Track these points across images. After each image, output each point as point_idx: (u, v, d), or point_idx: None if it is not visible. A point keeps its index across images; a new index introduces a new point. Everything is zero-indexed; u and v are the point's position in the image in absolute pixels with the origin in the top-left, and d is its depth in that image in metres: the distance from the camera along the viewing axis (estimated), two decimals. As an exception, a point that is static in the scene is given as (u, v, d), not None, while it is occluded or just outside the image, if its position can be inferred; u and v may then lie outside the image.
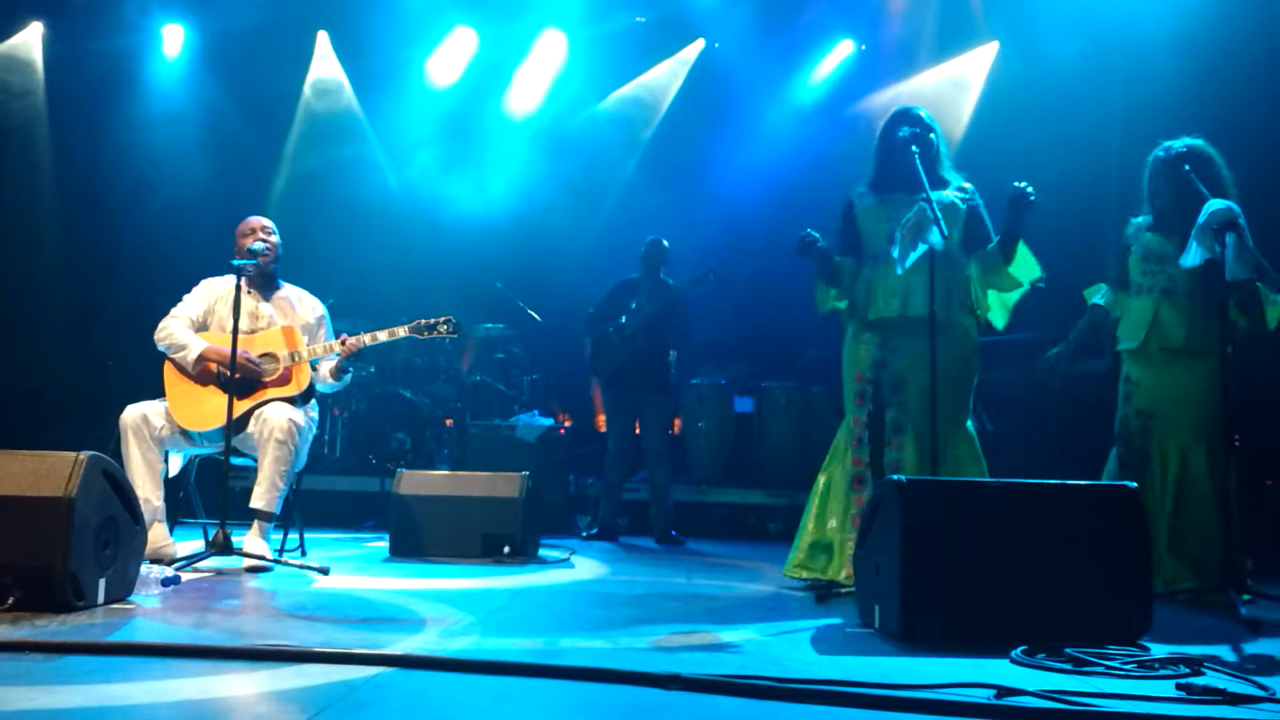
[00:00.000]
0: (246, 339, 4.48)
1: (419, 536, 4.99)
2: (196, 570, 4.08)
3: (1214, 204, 3.84)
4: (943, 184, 4.22)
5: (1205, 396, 4.11)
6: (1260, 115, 6.07)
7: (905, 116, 4.28)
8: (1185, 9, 6.51)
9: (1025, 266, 4.12)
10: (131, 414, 4.32)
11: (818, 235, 4.20)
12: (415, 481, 5.13)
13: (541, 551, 5.24)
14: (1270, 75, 6.21)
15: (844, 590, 3.90)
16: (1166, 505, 4.15)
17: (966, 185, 4.28)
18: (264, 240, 4.62)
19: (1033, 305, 4.32)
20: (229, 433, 4.19)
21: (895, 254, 3.91)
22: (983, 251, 4.16)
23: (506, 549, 4.90)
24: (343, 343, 4.49)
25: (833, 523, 4.19)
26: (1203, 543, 4.06)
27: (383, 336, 4.56)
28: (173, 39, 8.73)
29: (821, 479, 4.32)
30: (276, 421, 4.32)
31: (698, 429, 7.46)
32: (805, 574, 4.21)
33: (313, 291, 4.91)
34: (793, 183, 8.09)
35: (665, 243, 6.64)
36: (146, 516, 3.98)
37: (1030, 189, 3.90)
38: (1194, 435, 4.17)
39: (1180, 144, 4.25)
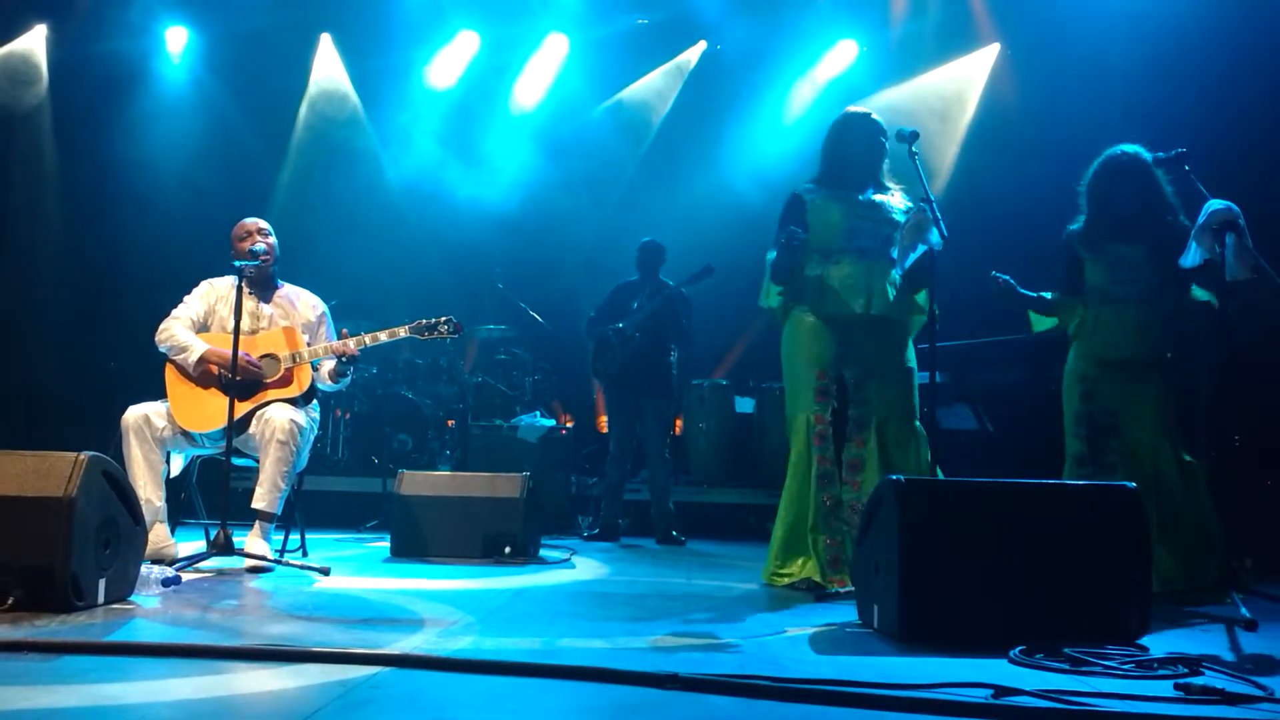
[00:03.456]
0: (248, 340, 4.49)
1: (420, 537, 5.00)
2: (197, 570, 4.09)
3: (1214, 204, 3.84)
4: (885, 189, 4.32)
5: (1173, 398, 4.18)
6: (1257, 116, 6.07)
7: (862, 118, 4.35)
8: (1184, 12, 6.52)
9: (920, 304, 4.23)
10: (133, 415, 4.33)
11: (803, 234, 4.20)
12: (417, 482, 5.14)
13: (542, 552, 5.24)
14: (1268, 77, 6.21)
15: (843, 590, 3.90)
16: (1151, 505, 4.16)
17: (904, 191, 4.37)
18: (263, 241, 4.63)
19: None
20: (230, 434, 4.20)
21: (894, 254, 3.92)
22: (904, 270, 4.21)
23: (507, 549, 4.91)
24: (343, 342, 4.50)
25: (803, 524, 4.15)
26: (1190, 541, 4.08)
27: (383, 337, 4.56)
28: (176, 41, 8.76)
29: (789, 484, 4.25)
30: (278, 422, 4.33)
31: (699, 429, 7.46)
32: (780, 580, 4.18)
33: (315, 292, 4.92)
34: (794, 183, 8.08)
35: (660, 243, 6.65)
36: (148, 517, 3.99)
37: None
38: (1163, 435, 4.21)
39: (1133, 149, 4.28)
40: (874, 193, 4.29)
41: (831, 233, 4.20)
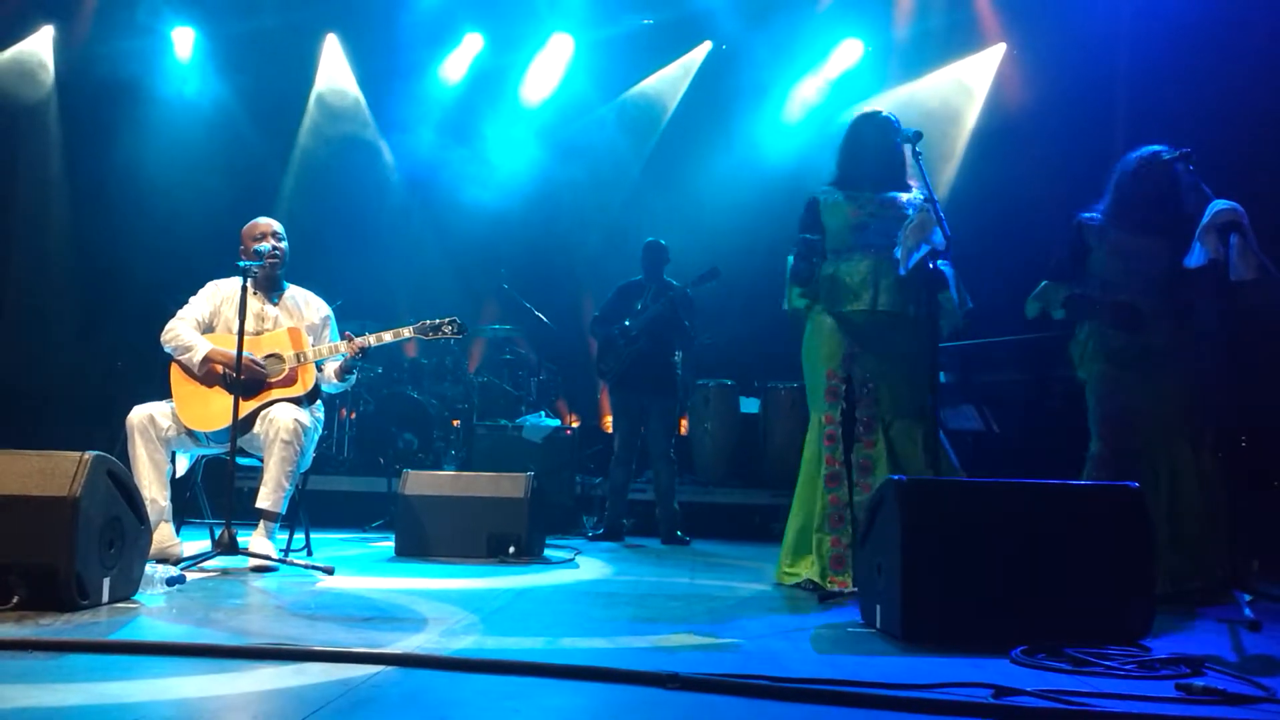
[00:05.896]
0: (253, 340, 4.50)
1: (425, 536, 5.01)
2: (202, 570, 4.10)
3: (1218, 204, 3.82)
4: (907, 188, 4.30)
5: (1186, 394, 4.12)
6: (1264, 116, 6.06)
7: (876, 119, 4.32)
8: (1190, 12, 6.51)
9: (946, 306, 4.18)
10: (138, 414, 4.34)
11: (818, 238, 4.23)
12: (421, 482, 5.15)
13: (547, 552, 5.25)
14: (1275, 77, 6.20)
15: (846, 591, 3.90)
16: (1163, 503, 4.13)
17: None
18: (272, 243, 4.64)
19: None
20: (235, 433, 4.21)
21: (898, 254, 3.92)
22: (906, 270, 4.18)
23: (512, 549, 4.91)
24: (348, 342, 4.51)
25: (811, 524, 4.17)
26: (1202, 540, 4.05)
27: (388, 337, 4.57)
28: (183, 42, 8.79)
29: (800, 484, 4.29)
30: (282, 422, 4.34)
31: (704, 429, 7.46)
32: (788, 579, 4.22)
33: (320, 293, 4.93)
34: (799, 183, 8.08)
35: (664, 243, 6.65)
36: (152, 516, 4.00)
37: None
38: (1179, 432, 4.16)
39: (1167, 149, 4.24)
40: (893, 192, 4.25)
41: (842, 230, 4.23)
